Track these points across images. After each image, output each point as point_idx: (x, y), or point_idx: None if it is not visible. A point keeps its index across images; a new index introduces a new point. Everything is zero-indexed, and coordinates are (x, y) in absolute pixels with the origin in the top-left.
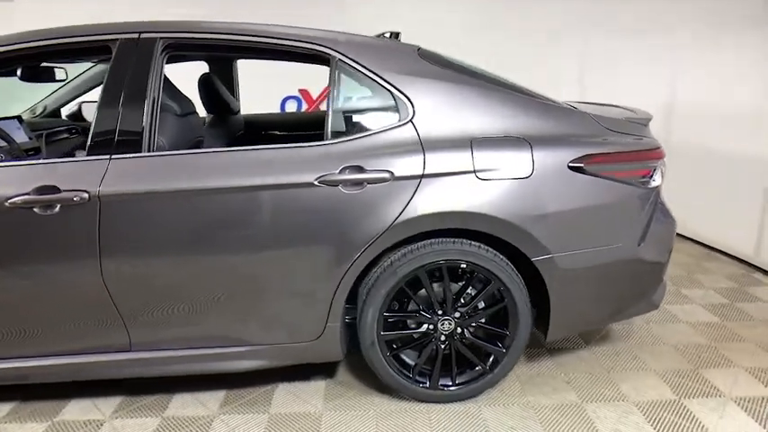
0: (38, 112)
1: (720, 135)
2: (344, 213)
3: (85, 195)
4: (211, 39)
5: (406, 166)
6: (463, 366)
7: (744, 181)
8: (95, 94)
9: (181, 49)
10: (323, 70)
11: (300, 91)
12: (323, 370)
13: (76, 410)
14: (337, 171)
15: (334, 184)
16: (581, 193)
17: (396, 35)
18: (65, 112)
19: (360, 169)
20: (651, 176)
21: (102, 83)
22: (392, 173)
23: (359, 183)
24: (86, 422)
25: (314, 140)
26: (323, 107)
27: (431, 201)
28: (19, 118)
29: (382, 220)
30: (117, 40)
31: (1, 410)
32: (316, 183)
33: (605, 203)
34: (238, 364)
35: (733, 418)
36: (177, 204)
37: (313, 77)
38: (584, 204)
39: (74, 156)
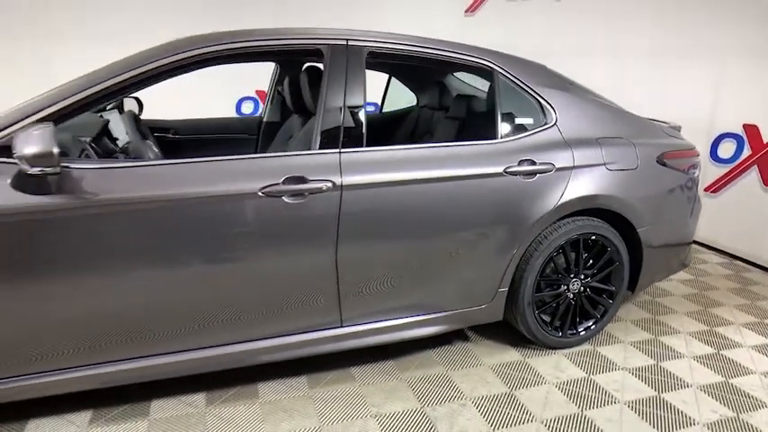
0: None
1: None
2: (523, 197)
3: (330, 184)
4: (404, 49)
5: (562, 159)
6: (581, 317)
7: None
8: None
9: (376, 57)
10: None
11: (257, 92)
12: (455, 336)
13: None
14: (516, 163)
15: (516, 174)
16: (664, 180)
17: None
18: None
19: (532, 162)
20: (694, 168)
21: None
22: (554, 165)
23: (533, 173)
24: None
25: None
26: None
27: (580, 187)
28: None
29: (548, 202)
30: (328, 44)
31: None
32: (503, 173)
33: (676, 187)
34: (427, 329)
35: (753, 338)
36: (400, 192)
37: (267, 79)
38: (665, 188)
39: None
